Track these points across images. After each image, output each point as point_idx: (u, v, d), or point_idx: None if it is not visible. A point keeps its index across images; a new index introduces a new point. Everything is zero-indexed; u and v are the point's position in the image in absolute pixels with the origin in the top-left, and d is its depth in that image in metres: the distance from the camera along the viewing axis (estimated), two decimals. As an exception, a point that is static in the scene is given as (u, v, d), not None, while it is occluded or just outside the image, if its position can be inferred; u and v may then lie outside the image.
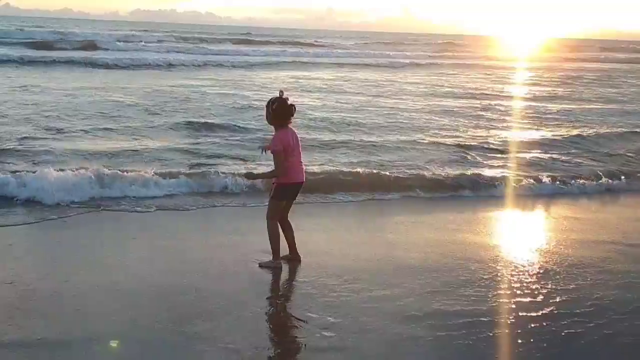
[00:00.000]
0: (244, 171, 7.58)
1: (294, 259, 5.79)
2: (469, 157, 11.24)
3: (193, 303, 4.96)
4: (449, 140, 12.71)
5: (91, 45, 36.91)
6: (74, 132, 11.90)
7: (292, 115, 5.44)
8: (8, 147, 10.10)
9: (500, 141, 12.98)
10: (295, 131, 5.58)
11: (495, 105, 19.14)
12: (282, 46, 50.39)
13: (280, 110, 5.39)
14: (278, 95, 5.41)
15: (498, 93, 23.16)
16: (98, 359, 4.11)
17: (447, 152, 11.61)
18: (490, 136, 13.66)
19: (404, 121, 15.30)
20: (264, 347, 4.47)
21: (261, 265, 5.61)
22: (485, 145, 12.42)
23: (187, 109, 15.33)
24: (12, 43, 35.59)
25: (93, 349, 4.20)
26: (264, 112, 5.60)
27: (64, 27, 55.66)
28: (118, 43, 40.05)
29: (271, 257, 5.66)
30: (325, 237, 6.87)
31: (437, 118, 16.05)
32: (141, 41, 43.27)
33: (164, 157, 10.03)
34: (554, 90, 24.91)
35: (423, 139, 12.74)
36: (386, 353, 4.35)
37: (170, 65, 29.21)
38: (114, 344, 4.14)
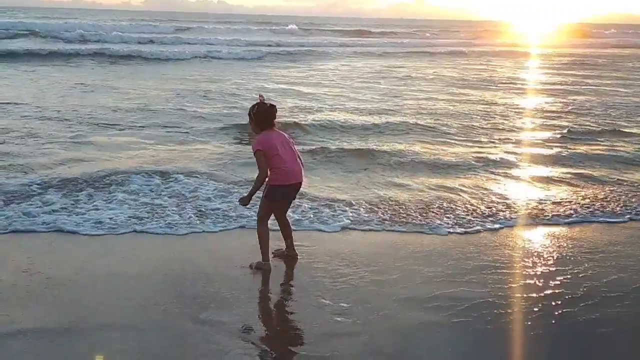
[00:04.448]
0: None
1: (289, 255, 5.68)
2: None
3: (205, 290, 4.98)
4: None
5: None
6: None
7: (274, 117, 5.30)
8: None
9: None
10: (285, 134, 5.44)
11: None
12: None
13: (261, 114, 5.28)
14: (258, 100, 5.31)
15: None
16: (111, 345, 4.14)
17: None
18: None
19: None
20: (278, 333, 4.49)
21: (251, 266, 5.48)
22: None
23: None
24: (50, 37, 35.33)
25: (106, 336, 4.24)
26: (249, 122, 5.43)
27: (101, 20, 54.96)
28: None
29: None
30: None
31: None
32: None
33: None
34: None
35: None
36: (400, 338, 4.35)
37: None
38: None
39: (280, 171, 5.22)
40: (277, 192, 5.32)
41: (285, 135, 5.44)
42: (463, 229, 6.59)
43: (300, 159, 5.42)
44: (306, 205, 7.12)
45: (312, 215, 6.85)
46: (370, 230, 6.52)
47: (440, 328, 4.50)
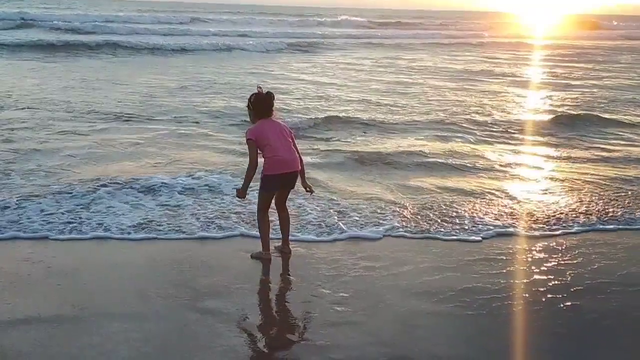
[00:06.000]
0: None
1: (283, 250, 5.63)
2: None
3: (206, 280, 5.00)
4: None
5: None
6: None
7: (271, 105, 5.30)
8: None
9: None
10: (282, 122, 5.42)
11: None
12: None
13: (257, 103, 5.30)
14: (257, 90, 5.32)
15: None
16: (112, 334, 4.16)
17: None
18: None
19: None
20: (277, 322, 4.52)
21: (252, 256, 5.50)
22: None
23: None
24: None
25: (107, 325, 4.26)
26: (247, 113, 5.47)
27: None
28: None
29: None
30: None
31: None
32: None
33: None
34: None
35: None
36: (398, 328, 4.37)
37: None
38: None
39: (272, 160, 5.21)
40: (271, 182, 5.31)
41: (282, 124, 5.43)
42: (465, 228, 6.48)
43: (296, 148, 5.39)
44: (315, 203, 6.98)
45: (319, 214, 6.70)
46: (376, 235, 6.27)
47: (440, 317, 4.52)
